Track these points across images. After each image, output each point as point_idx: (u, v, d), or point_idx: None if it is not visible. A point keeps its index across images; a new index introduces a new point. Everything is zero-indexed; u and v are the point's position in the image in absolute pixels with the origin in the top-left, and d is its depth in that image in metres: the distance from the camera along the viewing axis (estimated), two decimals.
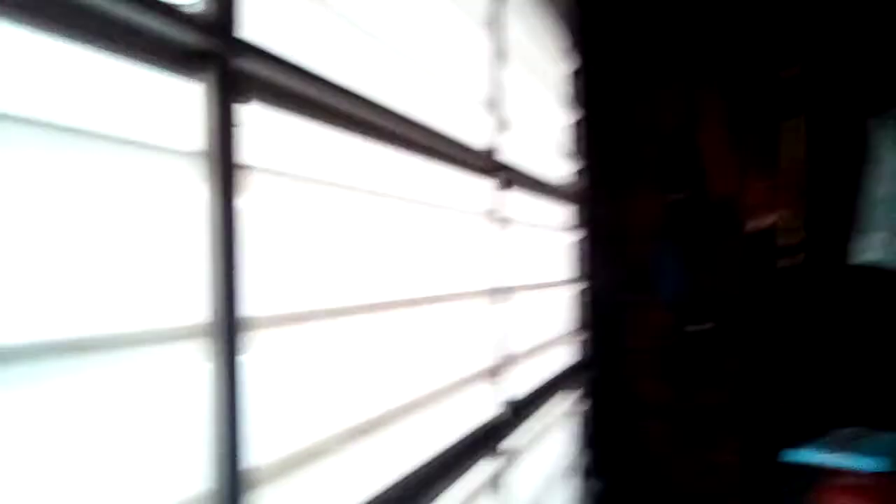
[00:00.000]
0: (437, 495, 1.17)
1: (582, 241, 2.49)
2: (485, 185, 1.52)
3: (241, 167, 0.73)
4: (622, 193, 2.67)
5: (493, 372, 1.53)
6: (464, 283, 1.43)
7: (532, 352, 1.86)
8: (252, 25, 0.76)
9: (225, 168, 0.70)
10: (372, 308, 1.03)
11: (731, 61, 2.57)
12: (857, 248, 2.46)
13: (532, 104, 1.99)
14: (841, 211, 2.51)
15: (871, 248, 2.47)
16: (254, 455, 0.75)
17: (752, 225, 2.54)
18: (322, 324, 0.91)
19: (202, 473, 0.69)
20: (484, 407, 1.51)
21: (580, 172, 2.48)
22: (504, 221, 1.57)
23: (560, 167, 2.31)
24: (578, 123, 2.48)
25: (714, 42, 2.59)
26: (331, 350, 0.95)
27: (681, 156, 2.59)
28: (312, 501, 0.88)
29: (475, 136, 1.47)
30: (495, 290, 1.55)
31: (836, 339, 2.53)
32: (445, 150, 1.27)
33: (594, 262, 2.55)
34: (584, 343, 2.46)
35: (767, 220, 2.54)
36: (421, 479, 1.14)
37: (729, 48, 2.57)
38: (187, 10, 0.67)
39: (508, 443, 1.56)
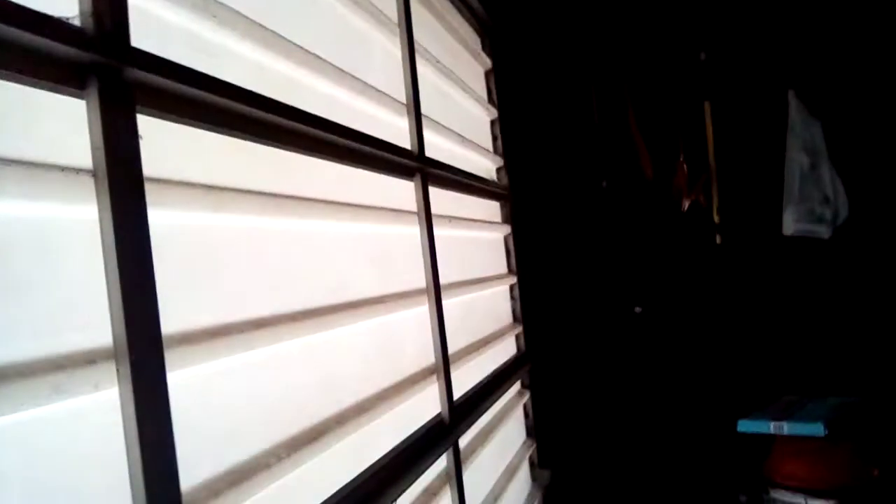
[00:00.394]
0: (389, 498, 1.16)
1: (514, 236, 2.51)
2: (407, 185, 1.52)
3: (143, 179, 0.70)
4: (552, 186, 2.71)
5: (435, 371, 1.53)
6: (395, 284, 1.42)
7: (472, 348, 1.86)
8: (145, 33, 0.73)
9: (126, 180, 0.67)
10: (300, 316, 1.01)
11: (647, 49, 2.65)
12: (786, 220, 2.58)
13: (450, 103, 2.00)
14: (767, 185, 2.63)
15: (797, 220, 2.59)
16: (189, 476, 0.72)
17: (684, 205, 2.63)
18: (247, 335, 0.88)
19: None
20: (429, 406, 1.51)
21: (506, 168, 2.51)
22: (431, 219, 1.56)
23: (485, 164, 2.33)
24: (500, 120, 2.51)
25: (630, 32, 2.67)
26: (260, 361, 0.92)
27: (607, 145, 2.66)
28: None
29: (393, 135, 1.46)
30: (429, 288, 1.55)
31: (772, 309, 2.65)
32: (363, 150, 1.26)
33: (528, 255, 2.57)
34: (524, 337, 2.48)
35: (694, 200, 2.63)
36: (370, 483, 1.12)
37: (644, 36, 2.66)
38: (72, 24, 0.65)
39: (458, 439, 1.56)
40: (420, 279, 1.53)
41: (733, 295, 2.69)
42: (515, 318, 2.47)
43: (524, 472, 2.39)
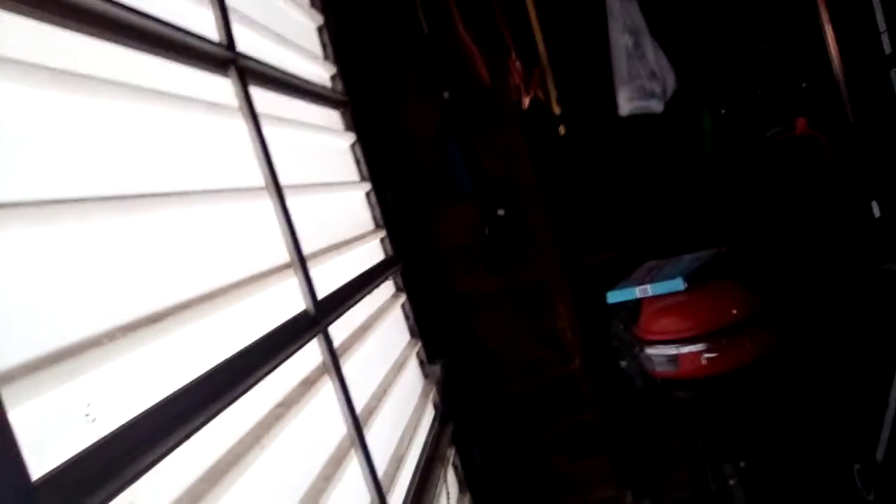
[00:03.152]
0: (253, 381, 1.14)
1: (362, 145, 2.48)
2: (223, 81, 1.45)
3: None
4: (395, 96, 2.69)
5: (292, 266, 1.50)
6: (227, 181, 1.37)
7: (332, 248, 1.84)
8: None
9: None
10: (118, 198, 0.95)
11: None
12: (621, 100, 2.69)
13: (265, 4, 1.91)
14: (599, 70, 2.72)
15: (630, 99, 2.70)
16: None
17: (527, 104, 2.67)
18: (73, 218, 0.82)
19: None
20: (297, 304, 1.49)
21: (341, 76, 2.46)
22: (256, 117, 1.51)
23: (316, 71, 2.27)
24: (330, 27, 2.44)
25: None
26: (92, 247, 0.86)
27: (440, 54, 2.64)
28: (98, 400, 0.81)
29: (206, 28, 1.39)
30: (268, 186, 1.50)
31: (620, 186, 2.78)
32: (161, 33, 1.18)
33: (380, 165, 2.56)
34: (389, 242, 2.49)
35: (533, 95, 2.68)
36: (234, 367, 1.10)
37: None
38: None
39: (326, 329, 1.55)
40: (255, 177, 1.48)
41: (582, 181, 2.79)
42: (377, 224, 2.47)
43: (413, 368, 2.43)
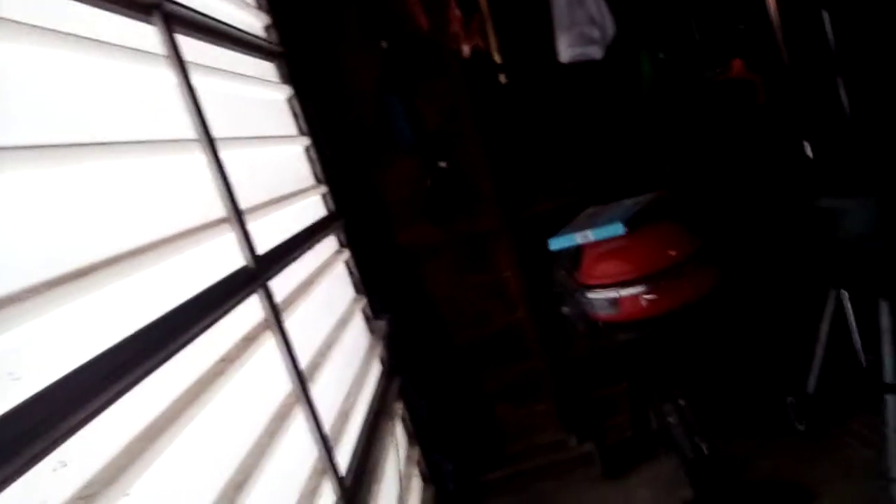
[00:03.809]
0: (192, 336, 1.11)
1: (299, 98, 2.41)
2: (147, 28, 1.37)
3: None
4: (333, 48, 2.61)
5: (228, 221, 1.45)
6: (155, 132, 1.31)
7: (270, 203, 1.80)
8: None
9: None
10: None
11: None
12: (561, 47, 2.67)
13: None
14: (539, 18, 2.68)
15: (570, 45, 2.68)
16: None
17: (467, 52, 2.62)
18: None
19: None
20: (236, 260, 1.45)
21: (276, 26, 2.37)
22: (184, 66, 1.44)
23: (247, 19, 2.18)
24: None
25: None
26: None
27: (377, 3, 2.57)
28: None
29: None
30: (201, 139, 1.44)
31: (562, 134, 2.77)
32: None
33: (319, 118, 2.49)
34: (331, 196, 2.45)
35: (473, 44, 2.63)
36: (172, 322, 1.06)
37: None
38: None
39: (266, 284, 1.52)
40: (181, 128, 1.42)
41: (525, 131, 2.77)
42: (318, 179, 2.42)
43: (359, 324, 2.42)
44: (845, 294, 2.34)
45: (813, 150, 2.57)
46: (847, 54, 2.52)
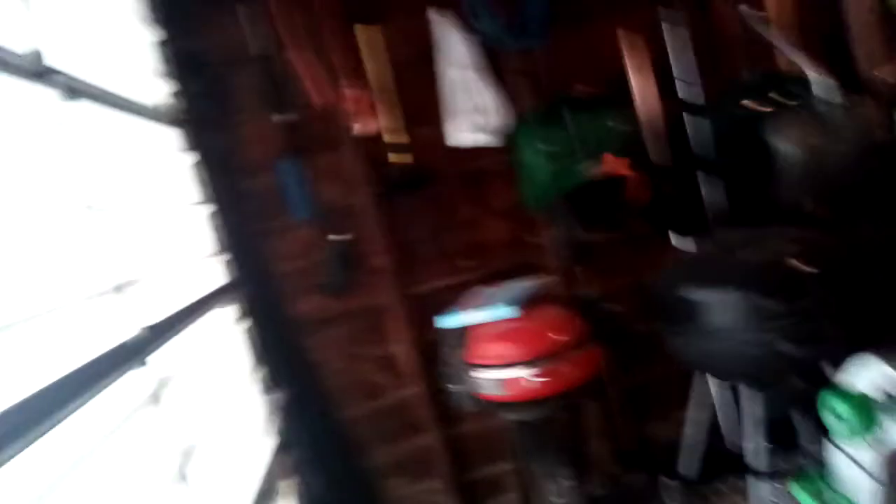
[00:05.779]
0: (70, 412, 1.09)
1: (198, 167, 2.42)
2: (41, 94, 1.38)
3: None
4: (231, 118, 2.63)
5: (120, 289, 1.44)
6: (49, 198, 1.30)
7: (164, 271, 1.79)
8: None
9: None
10: None
11: None
12: (450, 132, 2.79)
13: (98, 14, 1.84)
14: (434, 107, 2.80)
15: (463, 130, 2.81)
16: None
17: (358, 130, 2.69)
18: None
19: None
20: (120, 324, 1.43)
21: (178, 95, 2.39)
22: (79, 136, 1.45)
23: (148, 88, 2.19)
24: (164, 44, 2.36)
25: None
26: None
27: (276, 76, 2.62)
28: None
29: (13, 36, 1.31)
30: (92, 206, 1.44)
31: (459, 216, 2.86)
32: None
33: (218, 187, 2.50)
34: (229, 265, 2.44)
35: (371, 126, 2.70)
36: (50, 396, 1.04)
37: None
38: None
39: (159, 358, 1.50)
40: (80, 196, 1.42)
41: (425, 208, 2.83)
42: (220, 247, 2.41)
43: (253, 396, 2.38)
44: (711, 379, 2.51)
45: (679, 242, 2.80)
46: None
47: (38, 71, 1.36)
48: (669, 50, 2.88)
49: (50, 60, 1.39)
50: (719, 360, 2.05)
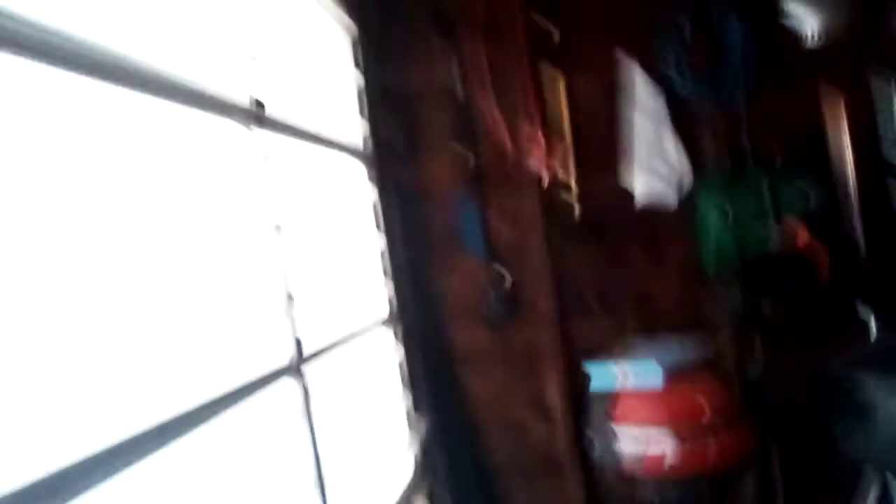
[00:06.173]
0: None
1: (384, 203, 2.60)
2: (255, 139, 1.58)
3: None
4: (418, 152, 2.79)
5: (286, 311, 1.61)
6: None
7: (333, 296, 1.95)
8: None
9: None
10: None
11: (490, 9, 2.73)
12: (629, 180, 2.73)
13: (305, 63, 2.07)
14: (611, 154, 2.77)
15: (643, 181, 2.74)
16: None
17: (536, 170, 2.73)
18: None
19: None
20: (283, 343, 1.60)
21: (373, 135, 2.59)
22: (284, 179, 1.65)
23: (348, 129, 2.41)
24: (362, 86, 2.59)
25: None
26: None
27: (464, 112, 2.73)
28: None
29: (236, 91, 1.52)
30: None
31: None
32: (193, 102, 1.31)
33: (399, 222, 2.67)
34: (396, 290, 2.60)
35: (548, 167, 2.73)
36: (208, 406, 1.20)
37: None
38: None
39: (317, 377, 1.65)
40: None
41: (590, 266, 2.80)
42: (385, 275, 2.58)
43: (399, 420, 2.51)
44: (890, 478, 2.22)
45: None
46: None
47: (258, 117, 1.57)
48: (877, 111, 2.62)
49: (269, 108, 1.61)
50: None
